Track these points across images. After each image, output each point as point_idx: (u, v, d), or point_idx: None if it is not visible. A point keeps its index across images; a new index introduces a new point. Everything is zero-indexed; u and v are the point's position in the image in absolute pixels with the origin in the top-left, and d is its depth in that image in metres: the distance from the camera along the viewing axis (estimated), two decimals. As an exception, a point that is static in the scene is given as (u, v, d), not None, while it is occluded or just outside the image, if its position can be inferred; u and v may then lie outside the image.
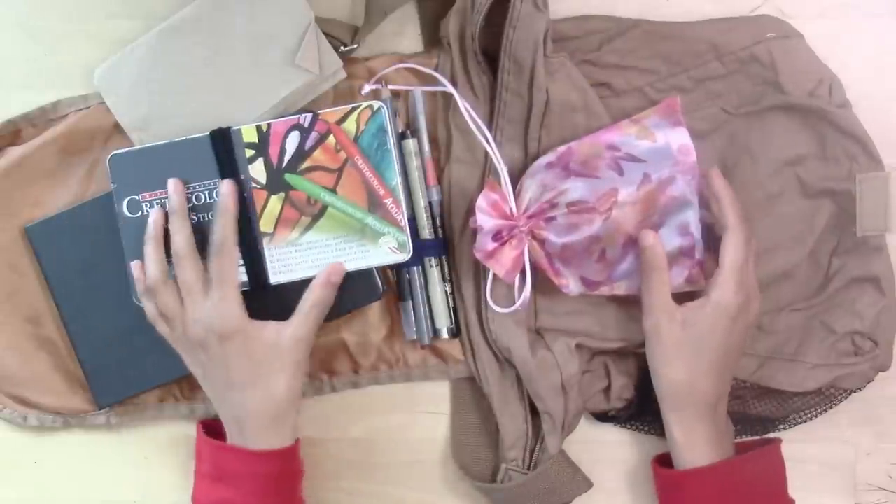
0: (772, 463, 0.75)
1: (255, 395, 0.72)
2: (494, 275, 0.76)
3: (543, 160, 0.75)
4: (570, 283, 0.76)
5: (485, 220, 0.73)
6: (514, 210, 0.74)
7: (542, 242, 0.75)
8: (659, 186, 0.72)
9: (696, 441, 0.73)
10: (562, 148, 0.74)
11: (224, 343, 0.71)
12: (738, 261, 0.71)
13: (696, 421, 0.73)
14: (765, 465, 0.74)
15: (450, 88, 0.77)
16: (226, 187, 0.73)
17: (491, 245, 0.73)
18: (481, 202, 0.73)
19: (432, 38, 0.80)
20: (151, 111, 0.78)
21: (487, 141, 0.75)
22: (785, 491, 0.75)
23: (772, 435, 0.80)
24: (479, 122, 0.76)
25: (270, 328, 0.72)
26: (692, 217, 0.73)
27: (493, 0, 0.73)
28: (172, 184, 0.74)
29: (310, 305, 0.73)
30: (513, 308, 0.76)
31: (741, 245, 0.72)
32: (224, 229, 0.73)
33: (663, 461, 0.77)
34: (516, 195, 0.75)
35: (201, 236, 0.74)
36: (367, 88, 0.78)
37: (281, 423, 0.73)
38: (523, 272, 0.75)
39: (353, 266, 0.75)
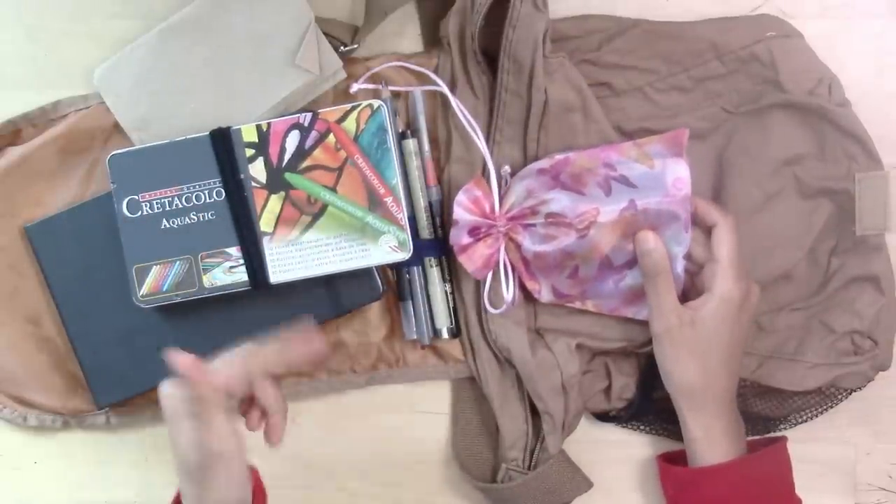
0: (781, 461, 0.75)
1: None
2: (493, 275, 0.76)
3: (536, 165, 0.75)
4: (543, 290, 0.76)
5: (462, 214, 0.73)
6: (497, 209, 0.74)
7: (518, 246, 0.75)
8: (644, 216, 0.72)
9: (715, 437, 0.73)
10: (559, 156, 0.74)
11: None
12: (733, 250, 0.72)
13: (715, 417, 0.73)
14: (776, 464, 0.74)
15: (443, 88, 0.77)
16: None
17: (465, 240, 0.74)
18: (461, 197, 0.73)
19: (432, 38, 0.80)
20: (151, 111, 0.78)
21: (479, 139, 0.75)
22: (793, 489, 0.75)
23: (773, 434, 0.80)
24: (472, 121, 0.76)
25: None
26: (679, 252, 0.73)
27: (493, 0, 0.73)
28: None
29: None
30: (502, 308, 0.76)
31: (732, 235, 0.72)
32: None
33: (669, 459, 0.77)
34: (503, 195, 0.75)
35: (200, 235, 0.75)
36: (355, 87, 0.78)
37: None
38: (507, 272, 0.75)
39: (353, 265, 0.75)
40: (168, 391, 0.65)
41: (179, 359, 0.64)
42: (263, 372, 0.67)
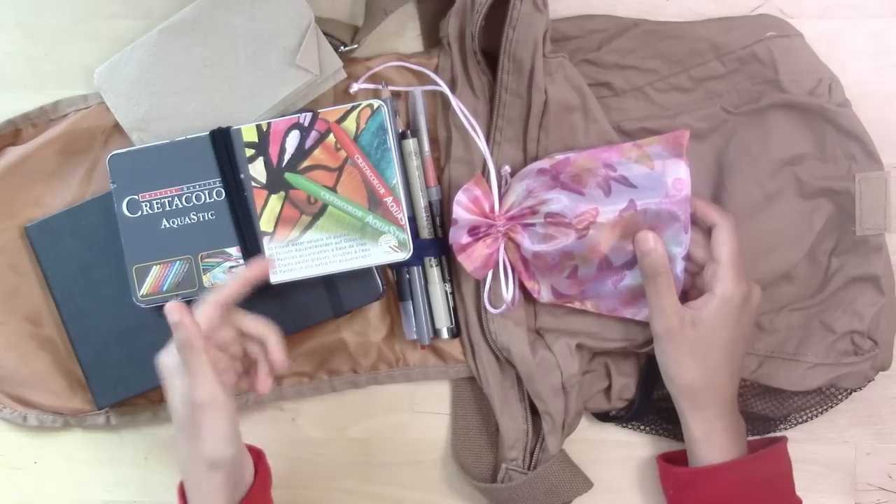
0: (781, 461, 0.75)
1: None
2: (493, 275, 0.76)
3: (536, 165, 0.75)
4: (542, 290, 0.76)
5: (462, 214, 0.73)
6: (497, 209, 0.74)
7: (518, 246, 0.75)
8: (644, 217, 0.72)
9: (715, 437, 0.73)
10: (560, 156, 0.74)
11: None
12: (733, 251, 0.72)
13: (716, 417, 0.73)
14: (776, 464, 0.74)
15: (443, 88, 0.77)
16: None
17: (465, 239, 0.74)
18: (461, 197, 0.73)
19: (432, 38, 0.80)
20: (151, 111, 0.78)
21: (480, 139, 0.75)
22: (793, 489, 0.75)
23: (773, 434, 0.80)
24: (473, 120, 0.76)
25: None
26: (679, 253, 0.72)
27: (493, 0, 0.73)
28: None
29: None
30: (502, 308, 0.76)
31: (733, 236, 0.72)
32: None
33: (669, 459, 0.77)
34: (503, 195, 0.75)
35: (200, 235, 0.75)
36: (355, 87, 0.79)
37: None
38: (506, 272, 0.75)
39: (353, 265, 0.75)
40: (162, 358, 0.70)
41: (167, 305, 0.68)
42: (230, 294, 0.71)
